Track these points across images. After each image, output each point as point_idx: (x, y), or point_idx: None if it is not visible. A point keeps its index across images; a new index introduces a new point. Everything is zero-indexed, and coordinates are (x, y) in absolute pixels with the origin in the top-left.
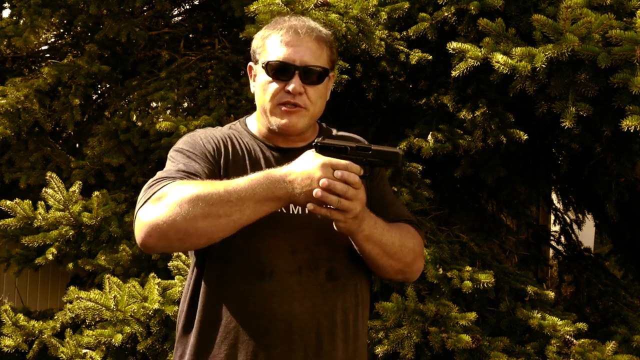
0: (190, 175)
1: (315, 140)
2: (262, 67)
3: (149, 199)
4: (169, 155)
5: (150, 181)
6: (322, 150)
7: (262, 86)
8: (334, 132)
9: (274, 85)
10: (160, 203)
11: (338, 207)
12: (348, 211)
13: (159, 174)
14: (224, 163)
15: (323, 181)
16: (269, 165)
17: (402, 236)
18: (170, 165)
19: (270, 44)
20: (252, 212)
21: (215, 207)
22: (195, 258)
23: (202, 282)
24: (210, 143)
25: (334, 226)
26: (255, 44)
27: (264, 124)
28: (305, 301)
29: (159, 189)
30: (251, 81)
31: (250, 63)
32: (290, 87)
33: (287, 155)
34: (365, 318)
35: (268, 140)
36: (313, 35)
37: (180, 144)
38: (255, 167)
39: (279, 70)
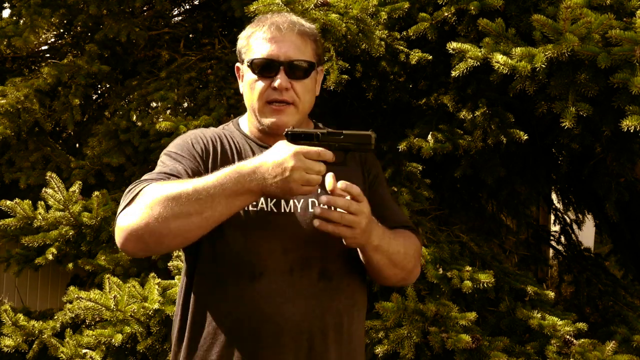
0: (169, 176)
1: (286, 129)
2: (247, 65)
3: (127, 204)
4: (159, 158)
5: (130, 185)
6: (293, 138)
7: (249, 85)
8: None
9: (260, 84)
10: (134, 207)
11: (342, 222)
12: (353, 226)
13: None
14: (212, 163)
15: (322, 198)
16: None
17: (406, 244)
18: (156, 169)
19: (253, 42)
20: (225, 208)
21: (185, 206)
22: (187, 263)
23: (194, 286)
24: (199, 143)
25: (344, 242)
26: (240, 44)
27: (254, 123)
28: (297, 302)
29: (136, 194)
30: (240, 82)
31: (237, 64)
32: (276, 83)
33: None
34: (361, 319)
35: (259, 139)
36: (295, 29)
37: (170, 146)
38: None
39: (264, 68)
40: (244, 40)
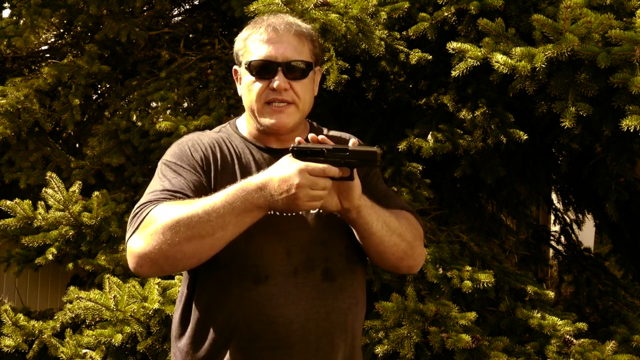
0: (174, 194)
1: (292, 145)
2: (245, 67)
3: (136, 229)
4: (157, 168)
5: (136, 207)
6: (299, 154)
7: (247, 87)
8: (325, 131)
9: (258, 85)
10: (145, 232)
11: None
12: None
13: (145, 196)
14: (214, 170)
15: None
16: (260, 167)
17: (400, 218)
18: (157, 183)
19: (251, 44)
20: (235, 226)
21: (196, 229)
22: None
23: (196, 289)
24: (198, 152)
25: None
26: (237, 46)
27: (254, 125)
28: (302, 303)
29: (144, 217)
30: (237, 84)
31: (235, 66)
32: (274, 84)
33: (279, 156)
34: (362, 316)
35: (259, 141)
36: (292, 30)
37: (169, 155)
38: (246, 170)
39: (262, 69)
40: (241, 42)
